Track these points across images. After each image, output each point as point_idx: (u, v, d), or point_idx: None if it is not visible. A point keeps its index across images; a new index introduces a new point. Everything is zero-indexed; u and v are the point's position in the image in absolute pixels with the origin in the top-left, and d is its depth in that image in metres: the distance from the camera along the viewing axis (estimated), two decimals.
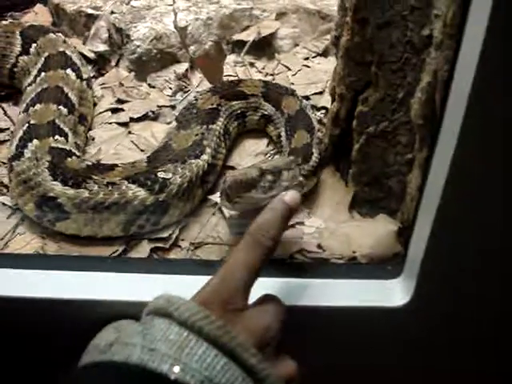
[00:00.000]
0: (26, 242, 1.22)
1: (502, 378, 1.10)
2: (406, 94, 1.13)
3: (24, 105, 1.43)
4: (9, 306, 1.01)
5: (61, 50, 1.56)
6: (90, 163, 1.29)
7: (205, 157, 1.32)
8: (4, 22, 1.66)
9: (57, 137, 1.32)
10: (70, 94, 1.45)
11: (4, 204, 1.31)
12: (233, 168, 1.38)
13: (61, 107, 1.41)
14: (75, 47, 1.66)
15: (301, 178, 1.08)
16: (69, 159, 1.26)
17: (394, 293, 1.00)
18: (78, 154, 1.33)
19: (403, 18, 1.08)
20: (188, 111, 1.42)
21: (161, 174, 1.24)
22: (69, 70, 1.51)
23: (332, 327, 1.00)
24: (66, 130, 1.37)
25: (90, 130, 1.51)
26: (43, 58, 1.54)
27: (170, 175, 1.24)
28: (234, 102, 1.46)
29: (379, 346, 1.02)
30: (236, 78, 1.65)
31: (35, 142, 1.28)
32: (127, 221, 1.21)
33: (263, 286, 0.96)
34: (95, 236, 1.21)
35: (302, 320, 0.97)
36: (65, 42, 1.61)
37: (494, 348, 1.04)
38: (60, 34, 1.64)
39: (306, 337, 0.99)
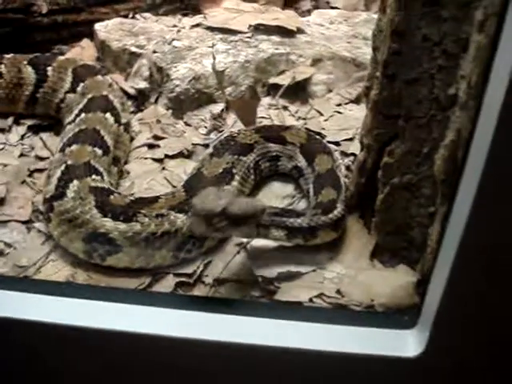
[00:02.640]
0: (58, 270, 1.28)
1: None
2: (431, 149, 1.16)
3: (61, 144, 1.48)
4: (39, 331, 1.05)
5: (104, 93, 1.62)
6: (132, 198, 1.35)
7: (234, 183, 1.41)
8: (60, 58, 1.75)
9: (94, 176, 1.37)
10: (106, 137, 1.50)
11: (39, 230, 1.37)
12: None
13: (96, 149, 1.45)
14: (117, 83, 1.73)
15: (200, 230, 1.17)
16: (111, 196, 1.32)
17: (407, 343, 1.02)
18: (116, 191, 1.38)
19: (431, 76, 1.12)
20: (226, 142, 1.50)
21: None
22: (108, 114, 1.56)
23: (343, 374, 1.02)
24: (101, 169, 1.42)
25: (125, 163, 1.57)
26: (86, 99, 1.60)
27: None
28: (270, 144, 1.51)
29: None
30: (269, 120, 1.70)
31: (75, 182, 1.33)
32: (177, 248, 1.27)
33: (279, 327, 1.00)
34: (146, 267, 1.27)
35: (312, 364, 1.00)
36: (110, 85, 1.67)
37: None
38: (108, 78, 1.70)
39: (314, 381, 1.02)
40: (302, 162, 1.49)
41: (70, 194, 1.31)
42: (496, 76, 0.79)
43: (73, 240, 1.29)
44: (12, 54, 1.73)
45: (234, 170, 1.42)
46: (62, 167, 1.38)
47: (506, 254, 0.89)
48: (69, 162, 1.39)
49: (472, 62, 0.99)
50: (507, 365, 0.99)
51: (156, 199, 1.33)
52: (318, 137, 1.56)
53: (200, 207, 1.16)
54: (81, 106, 1.60)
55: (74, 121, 1.55)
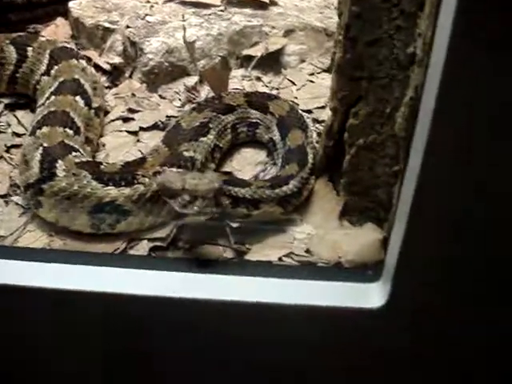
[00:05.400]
0: (35, 239, 1.30)
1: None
2: (394, 109, 1.19)
3: (31, 127, 1.47)
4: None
5: (76, 77, 1.60)
6: (122, 163, 1.37)
7: (210, 136, 1.46)
8: (41, 39, 1.74)
9: (74, 153, 1.37)
10: (76, 119, 1.49)
11: (17, 203, 1.40)
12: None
13: (67, 129, 1.45)
14: (91, 60, 1.75)
15: (214, 209, 1.18)
16: (102, 166, 1.34)
17: (371, 295, 1.06)
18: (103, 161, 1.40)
19: (390, 37, 1.15)
20: (212, 100, 1.55)
21: (186, 154, 1.38)
22: (78, 98, 1.55)
23: (310, 326, 1.06)
24: (77, 147, 1.42)
25: (97, 144, 1.58)
26: (57, 83, 1.59)
27: (192, 153, 1.39)
28: (252, 111, 1.54)
29: (356, 347, 1.08)
30: (243, 89, 1.72)
31: (60, 162, 1.33)
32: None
33: (247, 284, 1.04)
34: (154, 225, 1.30)
35: (281, 317, 1.03)
36: (83, 69, 1.65)
37: (464, 346, 1.09)
38: (83, 62, 1.68)
39: (286, 334, 1.06)
40: (276, 134, 1.51)
41: (60, 173, 1.31)
42: (441, 29, 0.82)
43: (76, 217, 1.29)
44: None
45: (211, 125, 1.47)
46: (40, 150, 1.37)
47: (457, 205, 0.92)
48: (45, 144, 1.38)
49: (426, 19, 1.02)
50: (465, 313, 1.03)
51: (143, 160, 1.36)
52: (299, 111, 1.57)
53: (205, 188, 1.17)
54: (52, 89, 1.58)
55: (44, 104, 1.54)
